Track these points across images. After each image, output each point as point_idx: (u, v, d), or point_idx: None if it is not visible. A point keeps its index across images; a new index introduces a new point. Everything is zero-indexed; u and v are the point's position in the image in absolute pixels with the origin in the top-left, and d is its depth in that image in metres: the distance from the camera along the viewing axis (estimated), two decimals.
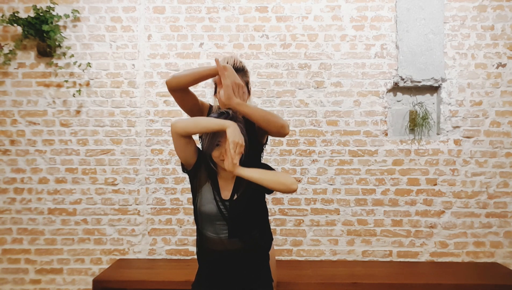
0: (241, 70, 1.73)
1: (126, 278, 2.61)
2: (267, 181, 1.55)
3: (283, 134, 1.67)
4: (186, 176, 2.92)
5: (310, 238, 2.98)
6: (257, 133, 1.78)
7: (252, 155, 1.71)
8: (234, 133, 1.49)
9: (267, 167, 1.67)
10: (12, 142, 3.00)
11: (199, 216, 1.66)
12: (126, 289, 2.59)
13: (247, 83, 1.75)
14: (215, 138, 1.56)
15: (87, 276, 2.98)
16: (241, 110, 1.58)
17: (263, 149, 1.90)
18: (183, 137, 1.55)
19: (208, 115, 1.77)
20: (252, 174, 1.55)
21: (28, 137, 3.00)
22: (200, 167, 1.65)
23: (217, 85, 1.73)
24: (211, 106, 1.86)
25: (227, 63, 1.69)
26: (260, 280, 1.72)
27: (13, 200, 3.00)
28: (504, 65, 2.93)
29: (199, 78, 1.64)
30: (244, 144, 1.53)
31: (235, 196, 1.62)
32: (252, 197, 1.64)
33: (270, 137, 2.97)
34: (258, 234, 1.71)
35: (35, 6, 2.86)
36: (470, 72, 2.93)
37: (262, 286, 1.71)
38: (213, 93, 1.84)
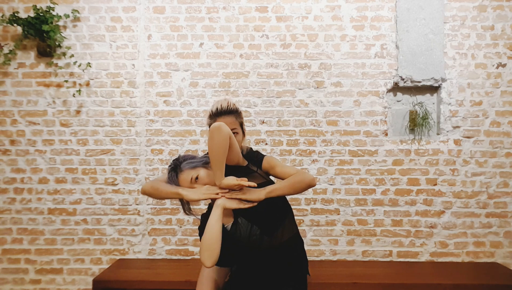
0: (234, 112, 1.78)
1: (126, 278, 2.60)
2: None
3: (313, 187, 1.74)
4: None
5: (310, 238, 2.98)
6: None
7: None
8: (190, 195, 1.59)
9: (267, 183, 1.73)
10: (12, 142, 3.00)
11: None
12: (126, 289, 2.59)
13: (241, 124, 1.80)
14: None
15: (87, 276, 2.98)
16: (274, 195, 1.64)
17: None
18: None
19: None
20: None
21: (28, 137, 3.00)
22: None
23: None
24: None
25: (221, 106, 1.74)
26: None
27: (13, 200, 3.00)
28: (504, 65, 2.93)
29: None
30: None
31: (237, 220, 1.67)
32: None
33: (269, 137, 2.97)
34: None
35: (35, 6, 2.86)
36: (470, 72, 2.93)
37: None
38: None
